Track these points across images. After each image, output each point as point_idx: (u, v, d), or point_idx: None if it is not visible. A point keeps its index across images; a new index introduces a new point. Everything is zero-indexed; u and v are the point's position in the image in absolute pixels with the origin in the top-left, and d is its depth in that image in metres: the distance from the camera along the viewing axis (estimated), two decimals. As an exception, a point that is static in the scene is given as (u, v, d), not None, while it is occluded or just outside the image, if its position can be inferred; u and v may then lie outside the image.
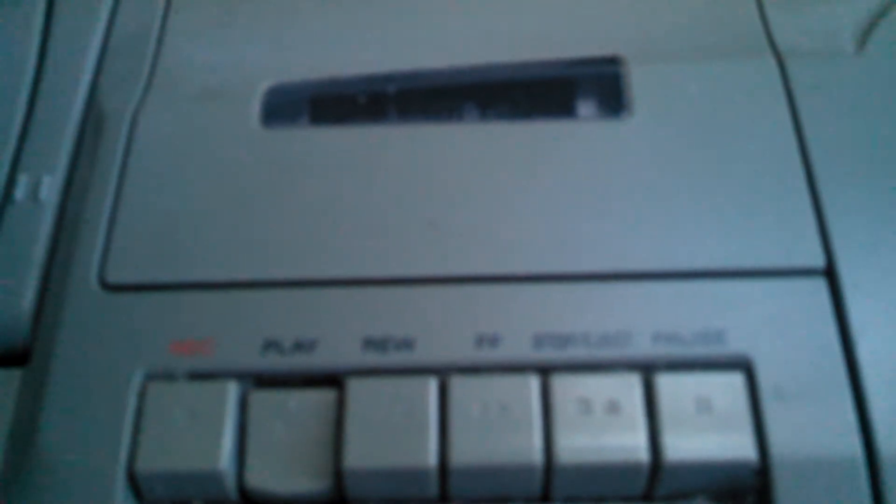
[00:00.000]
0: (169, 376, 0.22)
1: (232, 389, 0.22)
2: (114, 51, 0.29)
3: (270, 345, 0.23)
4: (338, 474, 0.21)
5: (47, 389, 0.23)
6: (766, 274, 0.23)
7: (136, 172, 0.25)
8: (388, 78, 0.28)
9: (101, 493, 0.21)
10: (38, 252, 0.25)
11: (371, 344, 0.23)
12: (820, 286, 0.23)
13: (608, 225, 0.24)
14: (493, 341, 0.22)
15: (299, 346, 0.23)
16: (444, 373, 0.22)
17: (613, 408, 0.22)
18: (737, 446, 0.21)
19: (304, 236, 0.24)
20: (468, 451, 0.21)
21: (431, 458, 0.21)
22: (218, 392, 0.22)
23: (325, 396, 0.22)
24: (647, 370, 0.22)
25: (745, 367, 0.22)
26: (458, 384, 0.22)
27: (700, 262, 0.23)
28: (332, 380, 0.22)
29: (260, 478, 0.22)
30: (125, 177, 0.25)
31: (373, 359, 0.22)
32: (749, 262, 0.23)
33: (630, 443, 0.21)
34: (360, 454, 0.21)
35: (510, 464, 0.21)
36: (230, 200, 0.25)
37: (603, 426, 0.21)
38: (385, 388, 0.22)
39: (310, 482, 0.21)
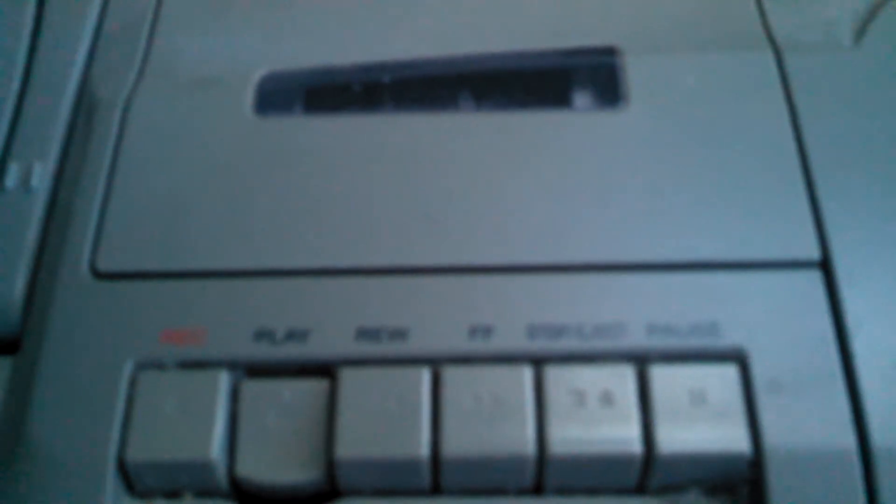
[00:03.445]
0: (160, 365, 0.22)
1: (223, 379, 0.22)
2: (106, 38, 0.28)
3: (263, 334, 0.23)
4: (330, 464, 0.21)
5: (37, 378, 0.22)
6: (762, 266, 0.23)
7: (129, 160, 0.25)
8: (383, 67, 0.27)
9: (92, 482, 0.21)
10: (29, 240, 0.25)
11: (364, 334, 0.22)
12: (815, 279, 0.23)
13: (603, 216, 0.24)
14: (487, 332, 0.22)
15: (292, 336, 0.22)
16: (437, 363, 0.22)
17: (607, 399, 0.21)
18: (730, 438, 0.21)
19: (298, 225, 0.24)
20: (461, 441, 0.21)
21: (424, 449, 0.21)
22: (209, 381, 0.22)
23: (317, 386, 0.22)
24: (642, 362, 0.22)
25: (739, 359, 0.22)
26: (451, 375, 0.22)
27: (695, 254, 0.23)
28: (325, 370, 0.22)
29: (251, 468, 0.21)
30: (117, 165, 0.25)
31: (366, 349, 0.22)
32: (744, 254, 0.23)
33: (623, 434, 0.21)
34: (353, 444, 0.21)
35: (503, 455, 0.21)
36: (223, 189, 0.25)
37: (596, 418, 0.21)
38: (378, 379, 0.22)
39: (302, 472, 0.21)
